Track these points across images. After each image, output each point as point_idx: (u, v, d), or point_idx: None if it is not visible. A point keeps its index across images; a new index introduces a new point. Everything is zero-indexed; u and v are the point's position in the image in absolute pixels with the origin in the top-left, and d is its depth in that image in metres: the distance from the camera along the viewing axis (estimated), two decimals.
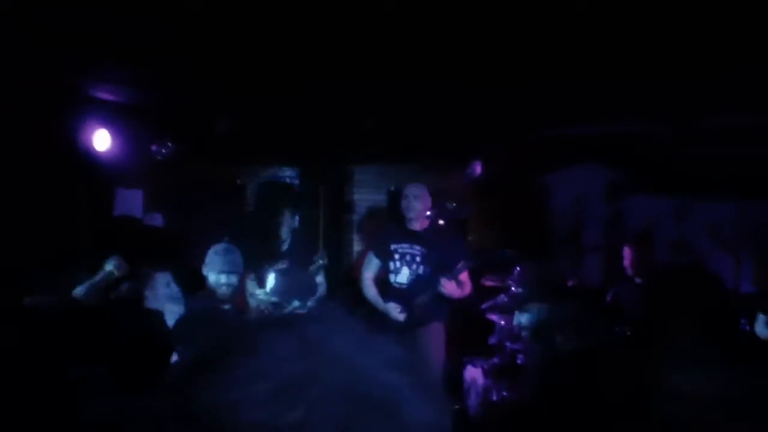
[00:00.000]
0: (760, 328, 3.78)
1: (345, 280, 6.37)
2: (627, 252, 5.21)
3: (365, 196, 7.65)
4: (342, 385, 0.72)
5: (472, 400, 5.65)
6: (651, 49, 3.84)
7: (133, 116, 5.68)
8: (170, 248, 5.17)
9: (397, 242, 5.02)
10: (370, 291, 5.07)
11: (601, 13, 3.30)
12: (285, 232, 5.33)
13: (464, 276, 4.84)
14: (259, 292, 4.57)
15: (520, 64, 4.32)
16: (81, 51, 4.18)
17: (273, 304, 4.47)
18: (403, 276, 4.97)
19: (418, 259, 4.94)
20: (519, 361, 5.81)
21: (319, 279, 5.16)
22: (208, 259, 3.94)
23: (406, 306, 4.88)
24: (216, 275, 3.88)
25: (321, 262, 5.11)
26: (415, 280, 4.92)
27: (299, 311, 4.41)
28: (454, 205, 6.94)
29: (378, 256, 5.13)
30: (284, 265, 4.98)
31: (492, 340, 5.75)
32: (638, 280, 5.11)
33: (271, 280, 4.64)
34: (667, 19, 3.31)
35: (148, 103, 5.66)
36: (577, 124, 6.09)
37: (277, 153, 7.24)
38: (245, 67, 4.59)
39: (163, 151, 5.89)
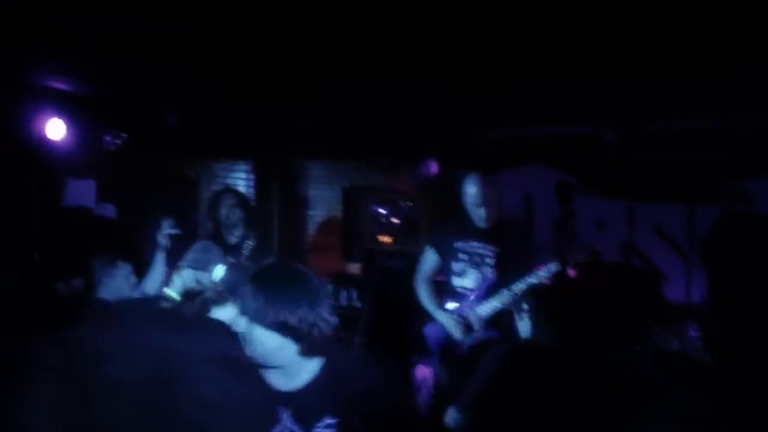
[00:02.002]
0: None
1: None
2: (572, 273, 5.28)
3: (320, 192, 7.70)
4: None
5: (422, 399, 5.72)
6: (601, 51, 3.95)
7: (87, 107, 5.63)
8: (123, 239, 5.14)
9: (463, 240, 4.36)
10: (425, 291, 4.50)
11: (553, 15, 3.39)
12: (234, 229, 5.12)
13: None
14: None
15: (472, 64, 4.38)
16: (33, 40, 4.14)
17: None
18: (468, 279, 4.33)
19: (488, 260, 4.30)
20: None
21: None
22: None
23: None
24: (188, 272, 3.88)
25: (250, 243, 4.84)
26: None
27: None
28: (409, 203, 7.04)
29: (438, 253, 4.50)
30: (233, 260, 4.89)
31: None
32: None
33: (219, 271, 4.48)
34: (616, 22, 3.42)
35: (101, 94, 5.62)
36: (527, 125, 6.21)
37: (230, 148, 7.24)
38: (200, 60, 4.59)
39: (117, 141, 5.84)
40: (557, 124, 6.02)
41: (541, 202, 6.92)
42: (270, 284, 2.22)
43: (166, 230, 4.44)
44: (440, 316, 4.37)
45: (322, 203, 7.70)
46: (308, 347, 2.20)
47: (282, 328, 2.13)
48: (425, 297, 4.48)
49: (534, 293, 3.91)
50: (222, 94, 5.59)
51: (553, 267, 3.99)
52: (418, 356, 5.89)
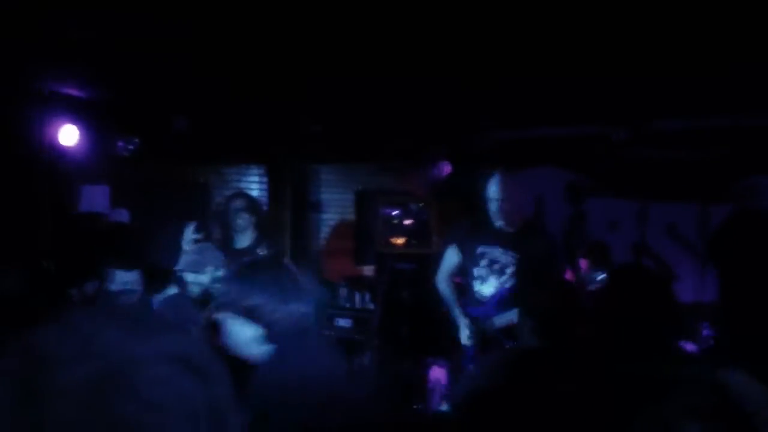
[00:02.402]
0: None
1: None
2: (583, 263, 5.28)
3: (333, 196, 7.72)
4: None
5: (435, 401, 5.71)
6: (607, 51, 3.95)
7: (100, 112, 5.67)
8: (139, 245, 5.17)
9: (486, 244, 4.19)
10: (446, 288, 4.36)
11: (557, 15, 3.39)
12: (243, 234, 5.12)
13: None
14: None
15: (479, 66, 4.38)
16: (44, 47, 4.19)
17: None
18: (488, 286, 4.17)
19: (508, 270, 4.12)
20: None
21: None
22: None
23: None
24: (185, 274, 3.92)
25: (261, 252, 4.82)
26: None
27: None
28: (420, 205, 7.03)
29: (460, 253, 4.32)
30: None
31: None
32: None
33: (215, 273, 4.41)
34: (622, 21, 3.42)
35: (113, 100, 5.66)
36: (536, 126, 6.19)
37: (242, 152, 7.27)
38: (211, 64, 4.62)
39: (130, 147, 5.88)
40: (566, 124, 5.99)
41: (552, 203, 6.89)
42: (247, 274, 2.31)
43: (190, 236, 4.43)
44: (459, 316, 4.25)
45: (335, 207, 7.72)
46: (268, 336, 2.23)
47: (249, 314, 2.20)
48: (448, 294, 4.35)
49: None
50: (233, 98, 5.61)
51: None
52: (433, 358, 5.88)
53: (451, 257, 4.37)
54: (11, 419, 0.73)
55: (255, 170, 7.63)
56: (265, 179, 7.60)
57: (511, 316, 3.87)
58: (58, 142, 5.39)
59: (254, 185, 7.62)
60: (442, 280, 4.40)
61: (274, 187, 7.53)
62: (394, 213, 6.97)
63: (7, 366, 0.76)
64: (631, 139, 5.55)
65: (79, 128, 5.49)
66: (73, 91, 5.40)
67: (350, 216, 7.69)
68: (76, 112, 5.47)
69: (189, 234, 4.45)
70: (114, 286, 3.62)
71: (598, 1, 3.12)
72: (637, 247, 6.28)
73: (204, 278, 4.01)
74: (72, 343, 0.77)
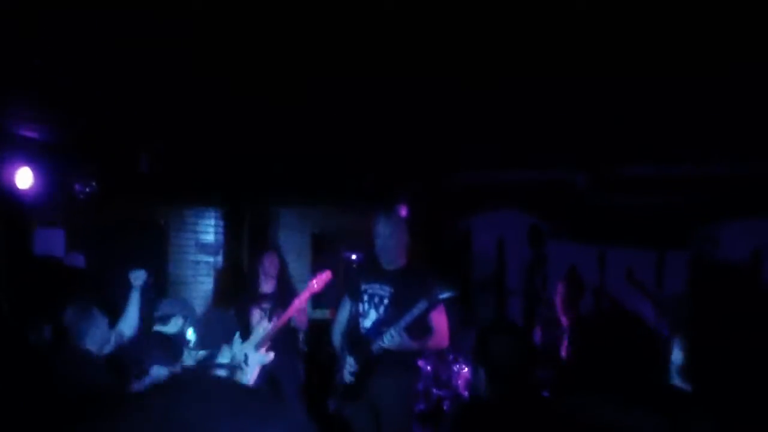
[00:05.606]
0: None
1: None
2: (560, 288, 5.36)
3: (290, 238, 7.70)
4: None
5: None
6: (568, 95, 4.06)
7: (57, 155, 5.60)
8: (95, 287, 5.09)
9: (368, 282, 4.36)
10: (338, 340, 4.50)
11: (517, 58, 3.46)
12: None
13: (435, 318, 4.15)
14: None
15: (439, 108, 4.46)
16: (1, 87, 4.14)
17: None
18: (369, 320, 4.29)
19: (385, 301, 4.25)
20: (445, 408, 5.88)
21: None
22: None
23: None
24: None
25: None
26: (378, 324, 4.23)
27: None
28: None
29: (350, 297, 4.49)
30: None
31: (419, 387, 5.78)
32: (564, 321, 5.21)
33: (178, 325, 4.31)
34: (584, 67, 3.52)
35: (71, 142, 5.59)
36: (500, 169, 6.29)
37: (200, 193, 7.23)
38: (167, 106, 4.62)
39: (87, 190, 5.80)
40: (529, 168, 6.11)
41: (513, 245, 6.99)
42: None
43: (138, 281, 4.48)
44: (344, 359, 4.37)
45: (293, 249, 7.69)
46: None
47: None
48: (338, 345, 4.47)
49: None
50: (193, 138, 5.59)
51: (422, 305, 3.95)
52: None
53: (344, 310, 4.51)
54: None
55: (212, 212, 7.58)
56: (221, 222, 7.55)
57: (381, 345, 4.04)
58: (14, 185, 5.29)
59: (210, 228, 7.56)
60: (337, 333, 4.50)
61: (231, 230, 7.49)
62: (354, 256, 6.99)
63: None
64: (593, 185, 5.69)
65: (34, 170, 5.41)
66: (30, 133, 5.32)
67: (307, 258, 7.69)
68: (32, 154, 5.39)
69: (137, 279, 4.45)
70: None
71: (561, 44, 3.21)
72: (597, 292, 6.38)
73: (170, 329, 4.08)
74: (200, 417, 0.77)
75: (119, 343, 3.93)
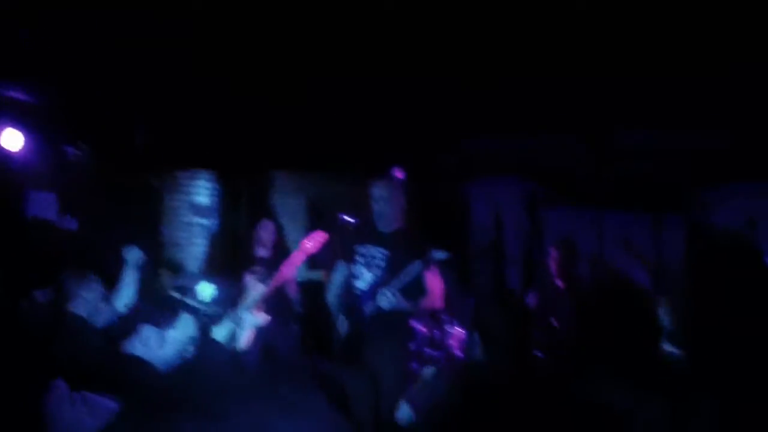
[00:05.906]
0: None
1: None
2: (554, 253, 5.38)
3: (285, 202, 7.65)
4: None
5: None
6: (570, 64, 4.02)
7: (47, 117, 5.51)
8: (91, 252, 5.04)
9: (363, 244, 4.39)
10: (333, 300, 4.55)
11: (521, 27, 3.43)
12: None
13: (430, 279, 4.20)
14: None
15: (441, 75, 4.42)
16: None
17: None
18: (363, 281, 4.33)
19: (381, 263, 4.29)
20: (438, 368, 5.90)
21: None
22: None
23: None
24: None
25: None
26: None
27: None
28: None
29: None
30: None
31: (412, 347, 5.79)
32: (560, 284, 5.22)
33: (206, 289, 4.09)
34: (585, 35, 3.48)
35: (61, 105, 5.51)
36: (496, 136, 6.26)
37: (195, 158, 7.15)
38: (163, 69, 4.55)
39: (78, 153, 5.74)
40: (527, 134, 6.07)
41: (510, 213, 6.96)
42: None
43: (132, 257, 4.30)
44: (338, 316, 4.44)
45: (287, 213, 7.64)
46: None
47: None
48: (334, 305, 4.53)
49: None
50: (187, 103, 5.52)
51: (416, 266, 4.07)
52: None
53: (338, 272, 4.53)
54: None
55: (206, 175, 7.49)
56: (217, 185, 7.49)
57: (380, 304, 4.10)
58: (2, 146, 5.22)
59: (206, 191, 7.50)
60: (332, 294, 4.55)
61: (226, 193, 7.43)
62: (351, 219, 6.93)
63: None
64: (590, 151, 5.67)
65: (25, 133, 5.33)
66: (19, 95, 5.23)
67: (303, 223, 7.64)
68: (22, 115, 5.30)
69: (133, 256, 4.33)
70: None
71: (560, 16, 3.17)
72: (592, 257, 6.38)
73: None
74: None
75: (112, 319, 3.79)
